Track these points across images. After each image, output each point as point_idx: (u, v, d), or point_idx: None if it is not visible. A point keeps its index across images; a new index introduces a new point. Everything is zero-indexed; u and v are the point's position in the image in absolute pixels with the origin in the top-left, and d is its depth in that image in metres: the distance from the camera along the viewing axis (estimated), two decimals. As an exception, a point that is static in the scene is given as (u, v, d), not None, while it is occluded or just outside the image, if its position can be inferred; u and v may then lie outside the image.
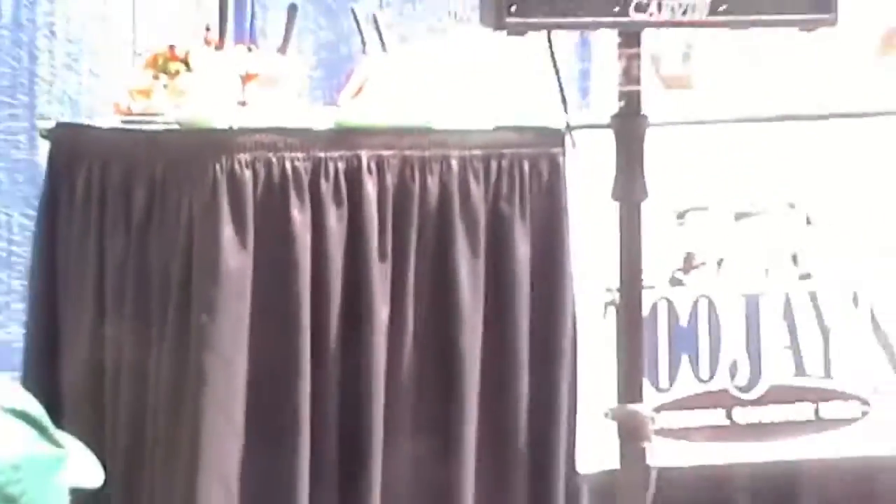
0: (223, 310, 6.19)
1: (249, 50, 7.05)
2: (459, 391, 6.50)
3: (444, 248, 6.50)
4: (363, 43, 7.24)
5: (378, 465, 6.39)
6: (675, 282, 6.67)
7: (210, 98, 6.69)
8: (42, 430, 2.79)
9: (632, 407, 5.32)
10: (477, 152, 6.62)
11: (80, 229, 6.72)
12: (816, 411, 6.71)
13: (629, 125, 5.42)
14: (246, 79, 6.66)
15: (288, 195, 6.26)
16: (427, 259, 6.44)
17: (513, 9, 5.42)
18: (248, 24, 8.27)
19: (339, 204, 6.36)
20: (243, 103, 6.57)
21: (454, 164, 6.54)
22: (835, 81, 7.44)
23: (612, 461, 5.49)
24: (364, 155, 6.34)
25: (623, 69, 5.50)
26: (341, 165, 6.39)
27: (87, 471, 2.84)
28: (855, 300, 6.88)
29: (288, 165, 6.33)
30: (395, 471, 6.43)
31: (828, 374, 6.74)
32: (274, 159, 6.33)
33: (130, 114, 6.76)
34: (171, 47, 6.88)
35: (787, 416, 6.70)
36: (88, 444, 3.42)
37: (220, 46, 6.90)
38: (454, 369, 6.50)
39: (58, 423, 2.79)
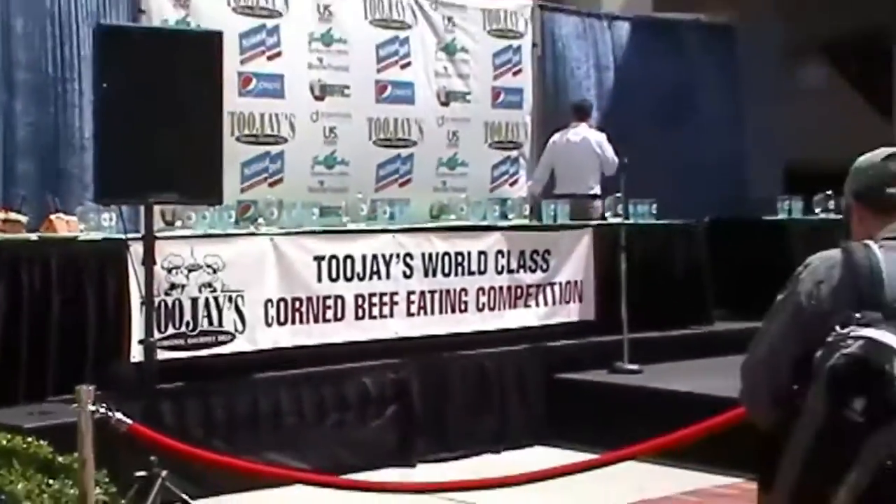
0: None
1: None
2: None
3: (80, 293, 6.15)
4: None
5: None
6: (170, 289, 6.26)
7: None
8: None
9: (152, 339, 5.44)
10: (87, 250, 6.29)
11: None
12: (216, 337, 6.49)
13: (149, 239, 5.38)
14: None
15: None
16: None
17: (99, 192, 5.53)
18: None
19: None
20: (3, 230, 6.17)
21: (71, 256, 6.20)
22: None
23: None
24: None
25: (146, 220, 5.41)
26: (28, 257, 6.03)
27: None
28: (233, 299, 6.54)
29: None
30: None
31: (220, 324, 6.50)
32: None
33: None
34: None
35: (211, 339, 6.46)
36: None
37: None
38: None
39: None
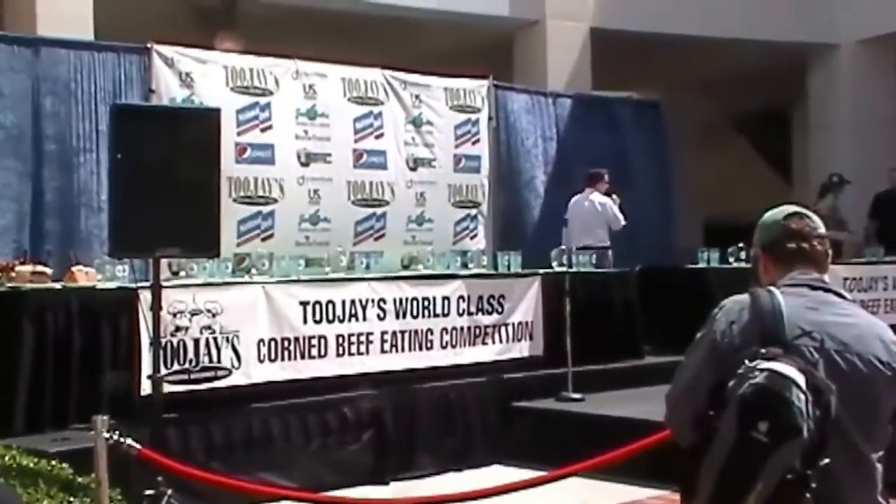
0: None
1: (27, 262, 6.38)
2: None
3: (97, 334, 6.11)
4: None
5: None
6: (175, 331, 6.19)
7: (24, 276, 6.17)
8: None
9: (159, 374, 5.26)
10: (103, 297, 6.26)
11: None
12: (216, 373, 6.37)
13: (156, 288, 5.40)
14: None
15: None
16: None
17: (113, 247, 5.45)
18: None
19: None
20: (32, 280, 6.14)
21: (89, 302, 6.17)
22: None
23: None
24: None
25: (154, 271, 5.40)
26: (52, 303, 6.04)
27: None
28: (230, 339, 6.42)
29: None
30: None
31: (219, 361, 6.40)
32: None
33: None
34: (9, 263, 6.39)
35: (211, 374, 6.34)
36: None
37: (25, 263, 6.37)
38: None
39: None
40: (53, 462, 4.71)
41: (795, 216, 2.57)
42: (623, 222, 9.60)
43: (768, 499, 2.17)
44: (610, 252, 9.41)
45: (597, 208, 9.55)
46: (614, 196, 9.72)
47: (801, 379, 2.20)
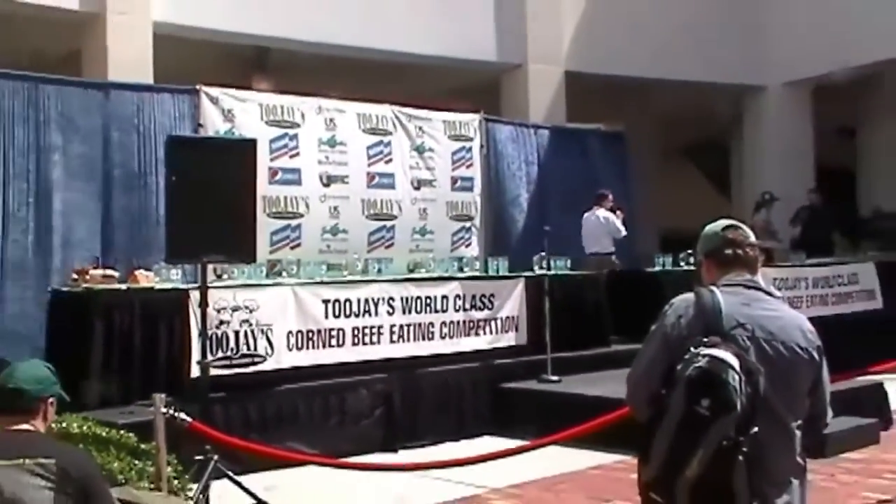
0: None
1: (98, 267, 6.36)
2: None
3: (155, 327, 6.09)
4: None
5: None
6: (219, 324, 6.15)
7: (96, 279, 6.12)
8: (53, 371, 2.69)
9: (206, 360, 5.22)
10: (160, 296, 6.17)
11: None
12: (252, 359, 6.35)
13: (203, 288, 5.35)
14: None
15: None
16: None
17: (168, 254, 5.38)
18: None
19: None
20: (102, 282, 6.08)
21: (149, 301, 6.20)
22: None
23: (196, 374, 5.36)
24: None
25: (202, 274, 5.33)
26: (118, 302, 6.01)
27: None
28: (264, 331, 6.36)
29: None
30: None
31: (255, 349, 6.33)
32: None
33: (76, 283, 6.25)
34: (84, 268, 6.37)
35: (249, 360, 6.30)
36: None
37: (97, 268, 6.35)
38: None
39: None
40: (121, 432, 4.74)
41: (731, 228, 2.59)
42: (624, 232, 9.75)
43: (709, 462, 2.19)
44: (614, 257, 9.55)
45: (601, 222, 9.73)
46: (618, 212, 9.88)
47: (735, 363, 2.24)
